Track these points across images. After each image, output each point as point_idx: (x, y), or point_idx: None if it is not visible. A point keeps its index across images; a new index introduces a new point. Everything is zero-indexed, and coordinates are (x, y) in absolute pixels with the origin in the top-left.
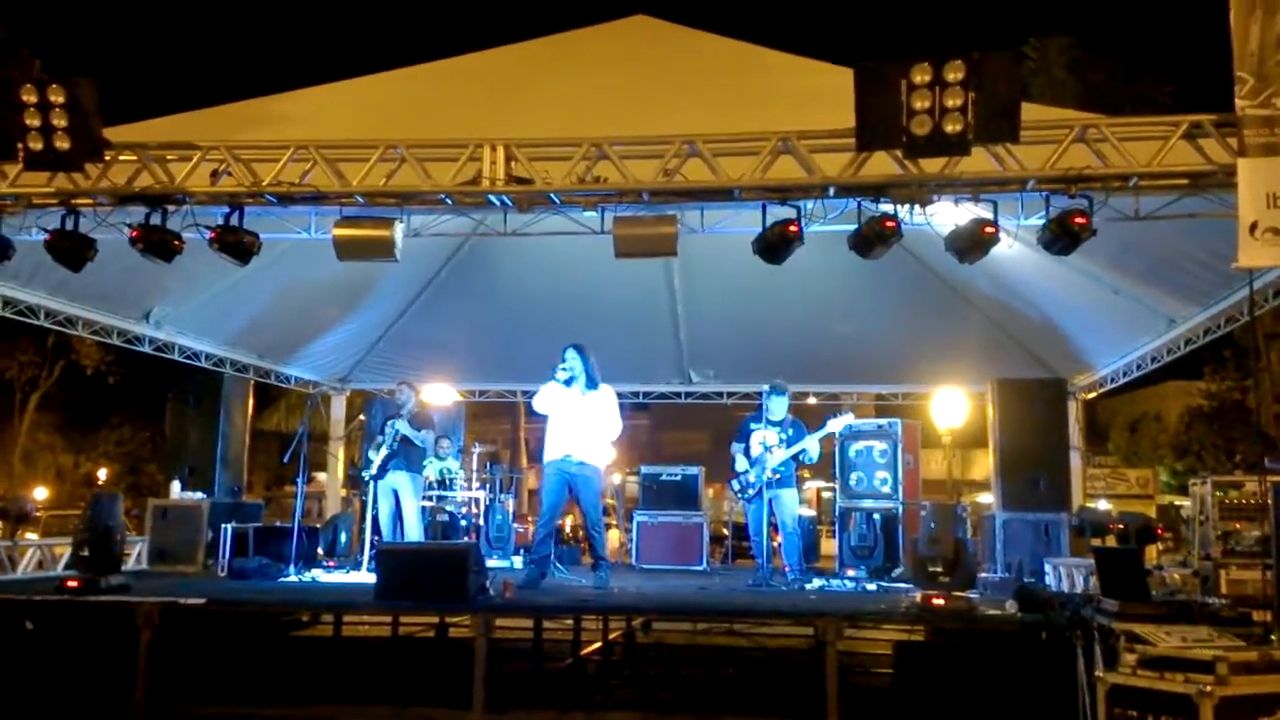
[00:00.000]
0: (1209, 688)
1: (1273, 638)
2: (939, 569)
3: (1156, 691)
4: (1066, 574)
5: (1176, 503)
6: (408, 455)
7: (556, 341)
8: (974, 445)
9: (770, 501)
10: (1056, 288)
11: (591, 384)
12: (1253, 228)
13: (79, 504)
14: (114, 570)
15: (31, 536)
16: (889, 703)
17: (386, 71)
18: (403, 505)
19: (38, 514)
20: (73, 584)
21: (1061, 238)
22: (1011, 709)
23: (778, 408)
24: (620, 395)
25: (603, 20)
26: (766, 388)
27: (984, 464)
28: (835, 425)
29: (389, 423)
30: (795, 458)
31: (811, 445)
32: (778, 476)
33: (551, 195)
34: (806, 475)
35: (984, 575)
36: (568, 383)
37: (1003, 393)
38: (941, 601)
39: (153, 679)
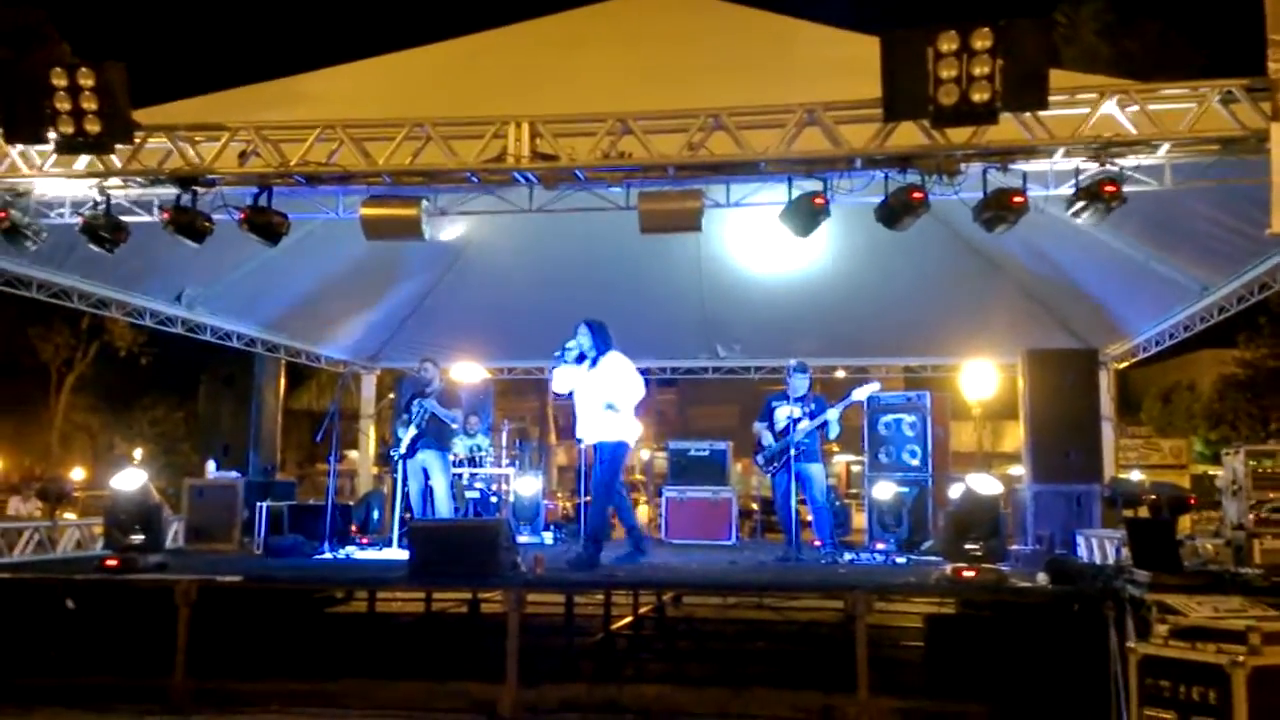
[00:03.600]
0: (1241, 658)
1: None
2: (970, 544)
3: (1189, 662)
4: (1098, 546)
5: (1211, 472)
6: (437, 433)
7: (583, 317)
8: (1005, 417)
9: (797, 476)
10: (1087, 257)
11: (595, 360)
12: None
13: None
14: (155, 550)
15: (70, 516)
16: (920, 675)
17: (411, 49)
18: (432, 482)
19: (75, 494)
20: (112, 563)
21: (1091, 206)
22: (1043, 681)
23: (800, 385)
24: (647, 371)
25: None
26: (791, 363)
27: (1015, 435)
28: (861, 394)
29: (416, 401)
30: (820, 429)
31: (834, 416)
32: (802, 451)
33: (576, 171)
34: (835, 449)
35: (1015, 548)
36: (579, 360)
37: (1033, 364)
38: (972, 574)
39: (192, 656)
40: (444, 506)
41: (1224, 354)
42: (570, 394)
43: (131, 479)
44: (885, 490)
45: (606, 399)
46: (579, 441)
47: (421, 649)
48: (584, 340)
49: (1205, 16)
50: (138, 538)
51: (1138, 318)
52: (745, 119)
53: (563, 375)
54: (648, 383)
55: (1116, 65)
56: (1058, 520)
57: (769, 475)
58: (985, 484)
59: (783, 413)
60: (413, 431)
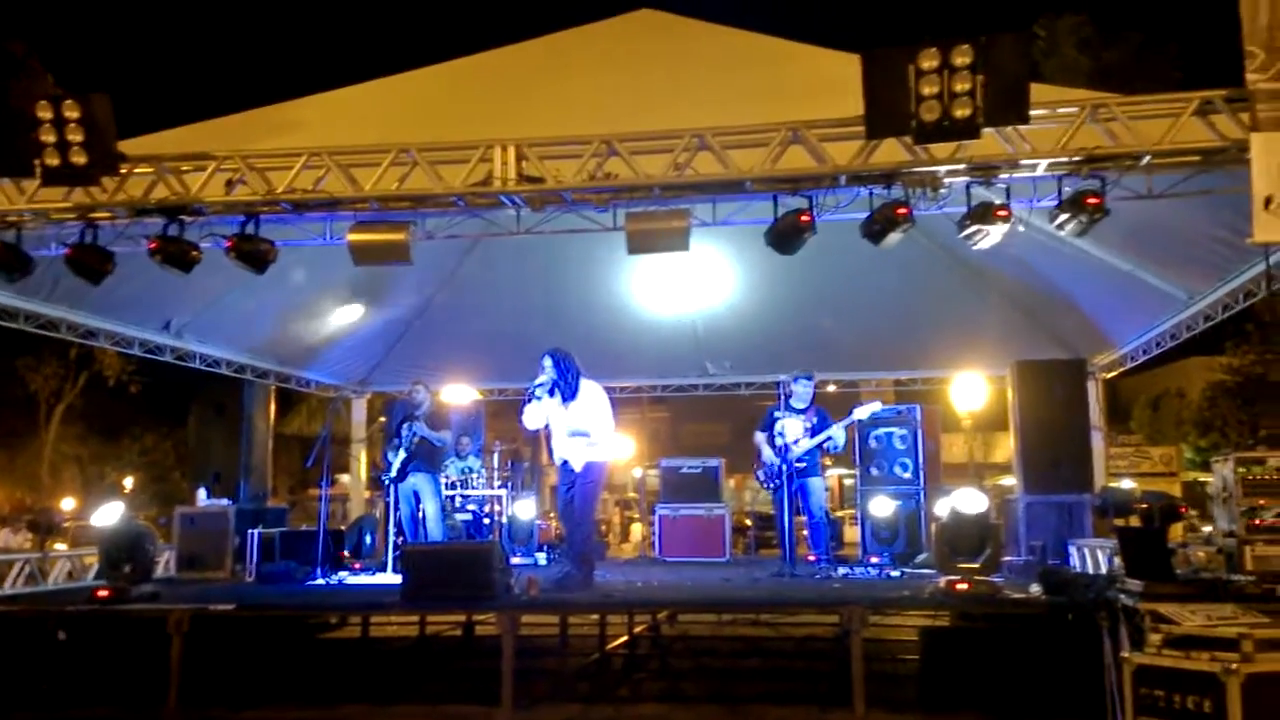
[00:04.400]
0: (1235, 665)
1: None
2: (963, 558)
3: (1182, 671)
4: (1090, 555)
5: (1201, 479)
6: (427, 456)
7: (573, 337)
8: (995, 428)
9: (797, 490)
10: (1073, 268)
11: (571, 394)
12: (1267, 202)
13: None
14: (144, 579)
15: (60, 547)
16: (916, 688)
17: (395, 75)
18: (424, 506)
19: (66, 525)
20: (103, 594)
21: (1075, 218)
22: (1038, 691)
23: (803, 393)
24: (638, 390)
25: (608, 15)
26: (789, 376)
27: (1006, 446)
28: (862, 412)
29: (406, 424)
30: (820, 446)
31: (838, 433)
32: (803, 465)
33: (563, 193)
34: (828, 463)
35: (1008, 559)
36: (550, 392)
37: (1022, 375)
38: (966, 586)
39: (185, 685)
40: (435, 530)
41: (1212, 361)
42: (546, 425)
43: (110, 513)
44: (878, 504)
45: (586, 429)
46: (564, 464)
47: (416, 673)
48: (551, 373)
49: (1183, 28)
50: (127, 568)
51: (1125, 327)
52: (730, 138)
53: (533, 412)
54: (639, 401)
55: (1096, 78)
56: (1049, 531)
57: (770, 490)
58: (970, 501)
59: (783, 424)
60: (403, 456)
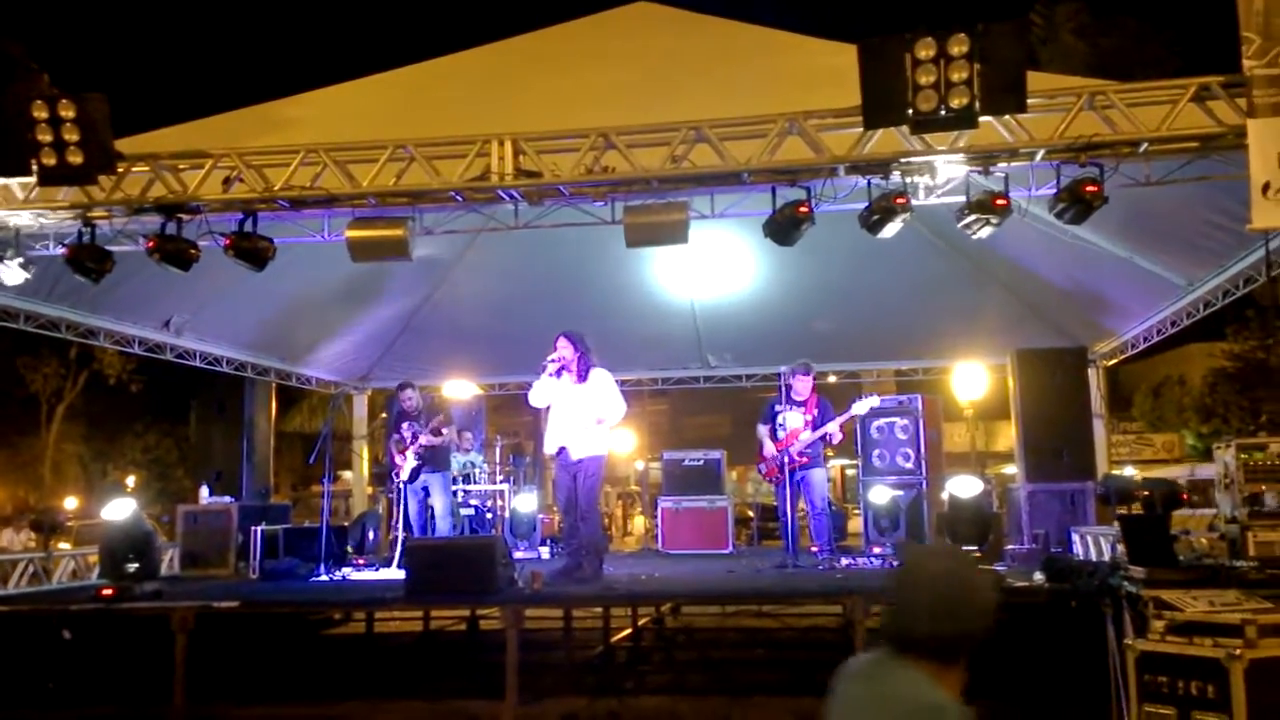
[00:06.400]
0: (1238, 651)
1: None
2: (965, 546)
3: (1186, 657)
4: (1093, 543)
5: (1199, 466)
6: (434, 456)
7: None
8: (997, 417)
9: (799, 482)
10: (1072, 256)
11: (582, 375)
12: (1265, 188)
13: None
14: (148, 577)
15: (64, 546)
16: None
17: (391, 70)
18: (433, 502)
19: (69, 524)
20: (107, 592)
21: (1073, 206)
22: (1042, 679)
23: (802, 388)
24: (639, 382)
25: (605, 9)
26: (788, 368)
27: (1008, 435)
28: (860, 408)
29: (407, 424)
30: (821, 438)
31: (835, 429)
32: (806, 458)
33: (560, 187)
34: (830, 454)
35: (1011, 547)
36: (559, 373)
37: (1023, 363)
38: None
39: (190, 682)
40: (444, 525)
41: (1213, 347)
42: (547, 406)
43: (121, 509)
44: (880, 494)
45: (596, 415)
46: (561, 452)
47: (421, 668)
48: (565, 352)
49: (1181, 14)
50: (132, 566)
51: (1125, 315)
52: (727, 130)
53: (541, 388)
54: (640, 394)
55: (1094, 65)
56: (1052, 518)
57: (772, 483)
58: (967, 486)
59: (784, 417)
60: (413, 462)
